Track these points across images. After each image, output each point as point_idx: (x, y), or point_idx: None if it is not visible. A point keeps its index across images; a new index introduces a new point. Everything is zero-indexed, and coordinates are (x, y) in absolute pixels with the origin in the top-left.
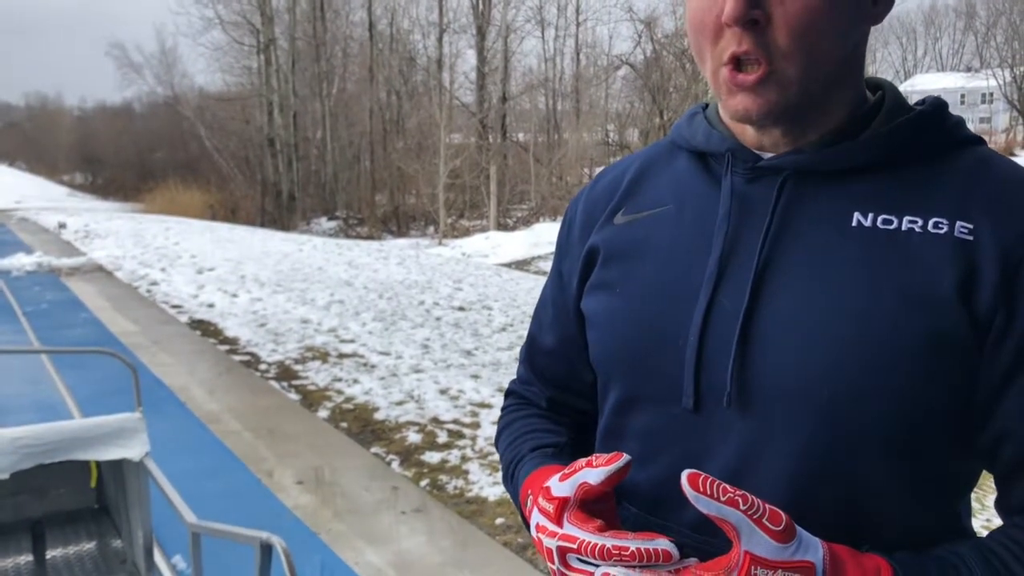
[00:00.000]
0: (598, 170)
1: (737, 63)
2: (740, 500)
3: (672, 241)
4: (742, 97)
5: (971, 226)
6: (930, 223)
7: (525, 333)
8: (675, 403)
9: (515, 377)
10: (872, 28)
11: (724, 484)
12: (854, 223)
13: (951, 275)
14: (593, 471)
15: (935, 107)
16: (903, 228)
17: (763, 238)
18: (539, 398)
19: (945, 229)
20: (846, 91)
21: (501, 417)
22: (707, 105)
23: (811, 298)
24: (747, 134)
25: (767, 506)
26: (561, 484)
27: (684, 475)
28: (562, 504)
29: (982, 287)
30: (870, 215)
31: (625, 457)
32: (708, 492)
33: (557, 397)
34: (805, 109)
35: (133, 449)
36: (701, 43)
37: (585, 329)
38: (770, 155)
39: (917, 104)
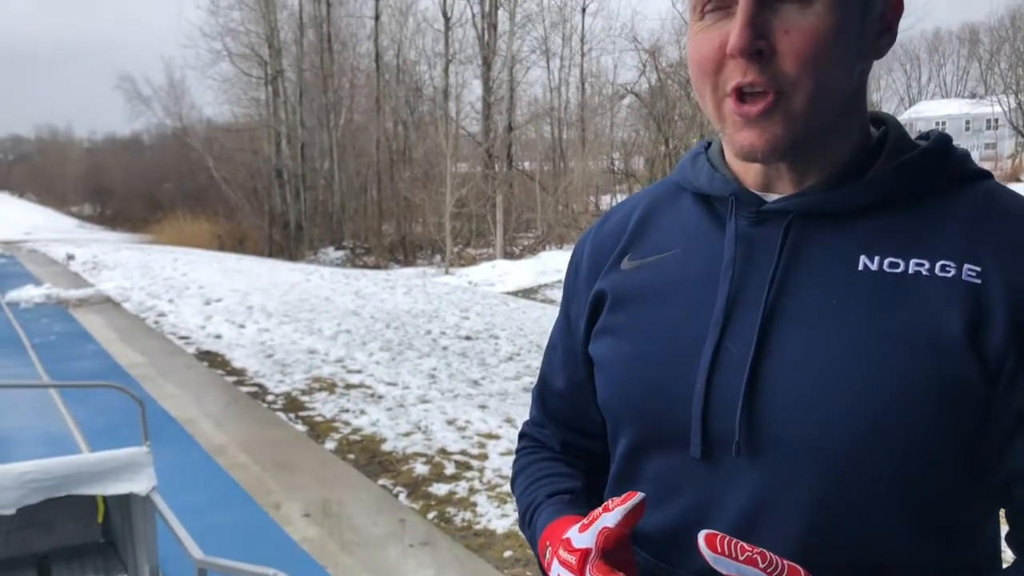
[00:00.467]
0: (604, 198)
1: (741, 94)
2: (759, 558)
3: (678, 286)
4: (747, 133)
5: (979, 268)
6: (937, 266)
7: (532, 362)
8: (684, 450)
9: (528, 419)
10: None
11: (742, 543)
12: (861, 267)
13: (959, 319)
14: (610, 514)
15: (939, 143)
16: (910, 271)
17: (769, 283)
18: (552, 441)
19: (952, 272)
20: (850, 127)
21: (516, 460)
22: (710, 144)
23: (819, 345)
24: (750, 173)
25: (785, 563)
26: (581, 535)
27: (701, 537)
28: (584, 556)
29: (992, 330)
30: (876, 258)
31: (639, 495)
32: (726, 552)
33: (570, 439)
34: (810, 144)
35: (140, 483)
36: (703, 77)
37: (594, 372)
38: (774, 197)
39: (920, 138)
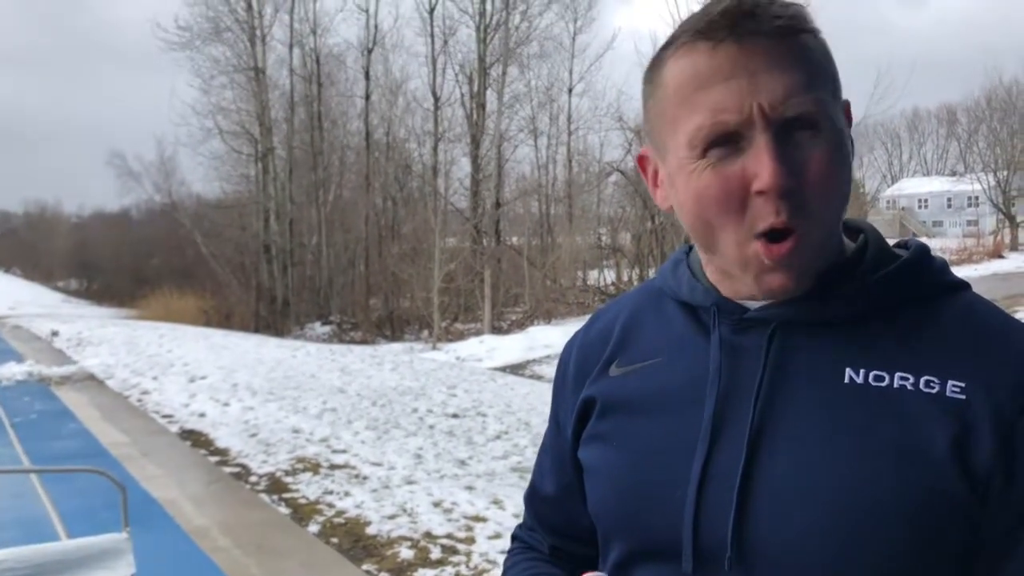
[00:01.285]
0: (592, 273)
1: (771, 235)
2: None
3: (666, 395)
4: (779, 275)
5: (962, 384)
6: (921, 381)
7: (520, 440)
8: (675, 562)
9: (520, 522)
10: (857, 133)
11: None
12: (846, 379)
13: (945, 435)
14: None
15: (919, 254)
16: (895, 385)
17: (756, 396)
18: (542, 545)
19: (937, 388)
20: (832, 241)
21: (505, 561)
22: (691, 248)
23: (808, 459)
24: (730, 282)
25: None
26: None
27: None
28: None
29: (977, 449)
30: (861, 371)
31: None
32: None
33: (559, 544)
34: None
35: (117, 572)
36: (723, 216)
37: (584, 477)
38: (756, 305)
39: (900, 245)
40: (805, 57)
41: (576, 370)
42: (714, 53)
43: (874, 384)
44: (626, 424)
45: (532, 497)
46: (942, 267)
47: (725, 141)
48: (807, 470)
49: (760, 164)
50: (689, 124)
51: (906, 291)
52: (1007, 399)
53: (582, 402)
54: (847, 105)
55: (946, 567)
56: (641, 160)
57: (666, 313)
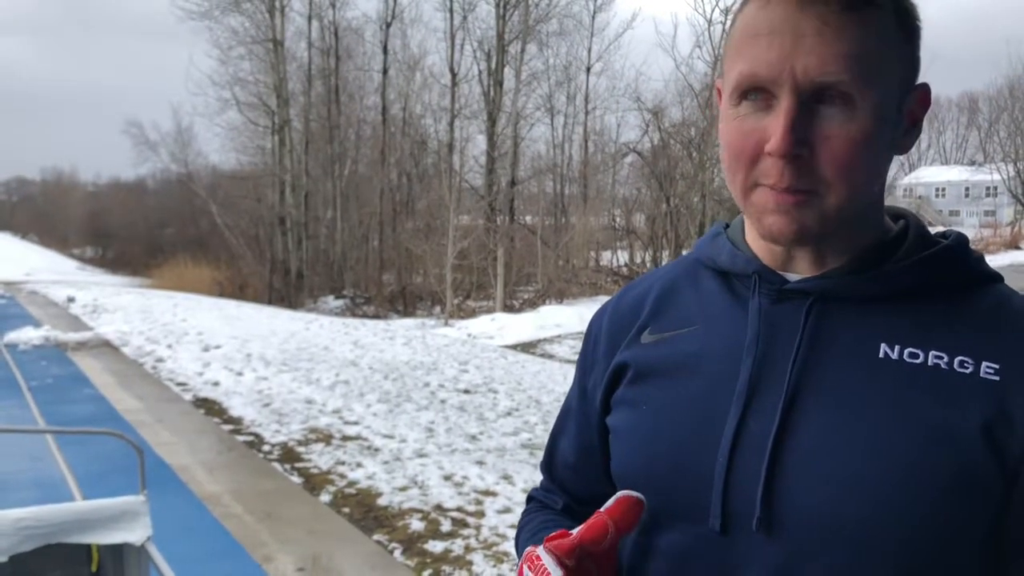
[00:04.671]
0: (604, 254)
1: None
2: None
3: (700, 361)
4: (777, 218)
5: (997, 366)
6: (956, 361)
7: (530, 418)
8: (702, 524)
9: (536, 485)
10: None
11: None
12: (881, 355)
13: (977, 415)
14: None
15: (959, 243)
16: (929, 363)
17: (792, 364)
18: (556, 504)
19: (971, 368)
20: (870, 220)
21: (521, 518)
22: (728, 224)
23: (839, 429)
24: (771, 253)
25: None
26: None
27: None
28: (563, 537)
29: (1010, 430)
30: (896, 347)
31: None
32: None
33: (575, 507)
34: (833, 236)
35: (135, 533)
36: (736, 165)
37: (607, 443)
38: (796, 277)
39: (940, 235)
40: (861, 32)
41: (608, 337)
42: (773, 6)
43: (908, 360)
44: (658, 389)
45: (551, 462)
46: (980, 259)
47: (757, 95)
48: (837, 441)
49: (775, 126)
50: (734, 70)
51: (944, 275)
52: None
53: (614, 367)
54: (922, 91)
55: (975, 545)
56: (718, 91)
57: (702, 283)
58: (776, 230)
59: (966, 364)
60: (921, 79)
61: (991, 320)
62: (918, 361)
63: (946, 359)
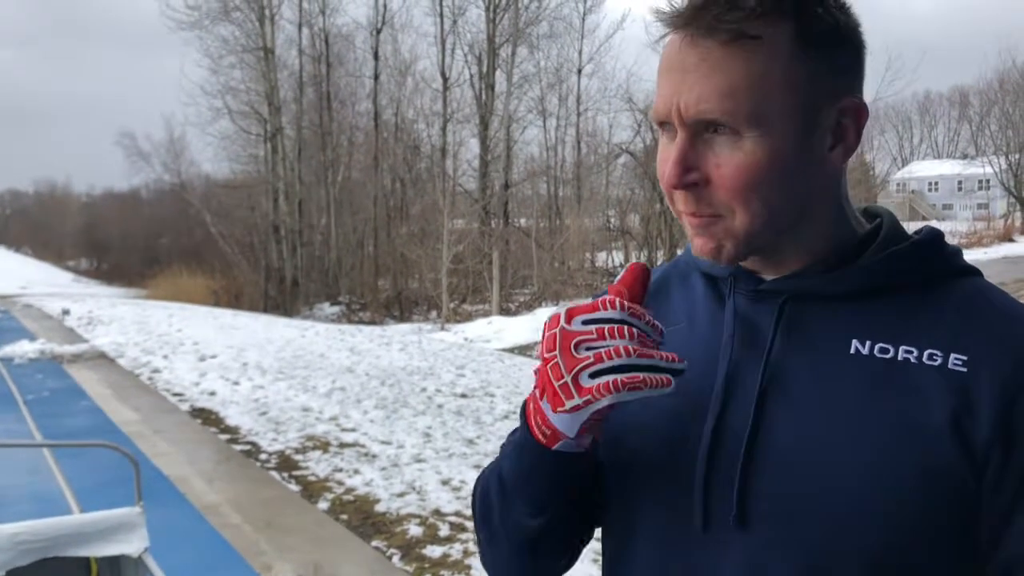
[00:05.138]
0: (600, 255)
1: None
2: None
3: (683, 359)
4: (698, 240)
5: (965, 358)
6: (925, 354)
7: None
8: (684, 518)
9: None
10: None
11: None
12: (852, 350)
13: (945, 407)
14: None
15: (931, 237)
16: (899, 358)
17: (764, 363)
18: None
19: (939, 361)
20: (821, 225)
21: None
22: None
23: (811, 424)
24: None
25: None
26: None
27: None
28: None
29: (977, 420)
30: (867, 343)
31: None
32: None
33: None
34: (771, 246)
35: (132, 545)
36: (665, 191)
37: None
38: (771, 278)
39: (915, 233)
40: (741, 64)
41: None
42: (672, 44)
43: (879, 356)
44: None
45: None
46: (954, 252)
47: (668, 126)
48: (808, 435)
49: (668, 160)
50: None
51: (915, 271)
52: (1009, 373)
53: None
54: (851, 104)
55: (950, 539)
56: None
57: (691, 283)
58: (699, 249)
59: (935, 357)
60: (912, 73)
61: (962, 313)
62: (888, 356)
63: (915, 353)
